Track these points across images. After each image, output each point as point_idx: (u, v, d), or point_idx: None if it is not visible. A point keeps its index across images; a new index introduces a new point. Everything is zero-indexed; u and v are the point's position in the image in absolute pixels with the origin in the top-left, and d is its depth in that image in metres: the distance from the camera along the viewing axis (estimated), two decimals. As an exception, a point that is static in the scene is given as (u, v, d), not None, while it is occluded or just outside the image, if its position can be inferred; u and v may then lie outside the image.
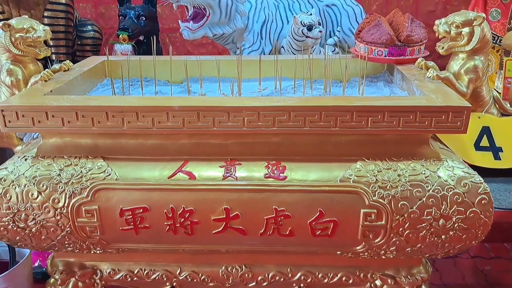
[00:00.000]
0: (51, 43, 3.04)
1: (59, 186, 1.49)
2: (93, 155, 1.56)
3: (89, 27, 3.24)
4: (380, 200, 1.47)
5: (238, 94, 1.80)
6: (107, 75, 2.11)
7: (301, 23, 2.52)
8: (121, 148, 1.56)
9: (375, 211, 1.48)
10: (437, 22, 1.73)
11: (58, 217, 1.51)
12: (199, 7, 2.45)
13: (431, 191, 1.47)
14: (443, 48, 1.74)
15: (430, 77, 1.69)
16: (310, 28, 2.52)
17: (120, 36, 2.72)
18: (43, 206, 1.50)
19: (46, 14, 2.92)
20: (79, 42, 3.23)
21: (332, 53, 2.83)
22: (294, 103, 1.47)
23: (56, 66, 1.87)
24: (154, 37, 2.01)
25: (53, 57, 3.04)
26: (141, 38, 2.97)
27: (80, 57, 3.32)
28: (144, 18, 2.95)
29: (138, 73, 2.01)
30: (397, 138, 1.52)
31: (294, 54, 2.65)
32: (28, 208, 1.50)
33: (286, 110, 1.45)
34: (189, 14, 2.55)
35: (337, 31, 2.89)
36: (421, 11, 3.48)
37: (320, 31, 2.53)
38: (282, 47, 2.73)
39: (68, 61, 1.96)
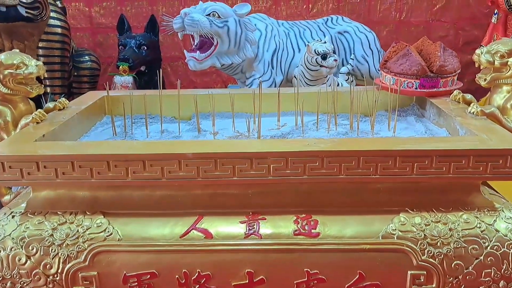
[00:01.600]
0: (45, 75, 2.84)
1: (52, 249, 1.25)
2: (92, 210, 1.33)
3: (86, 57, 3.05)
4: (430, 259, 1.24)
5: (256, 132, 1.59)
6: (107, 112, 1.90)
7: (315, 52, 2.33)
8: (125, 202, 1.33)
9: (425, 272, 1.25)
10: (478, 51, 1.54)
11: (50, 286, 1.27)
12: (206, 36, 2.26)
13: (489, 248, 1.24)
14: (485, 80, 1.54)
15: (473, 112, 1.48)
16: (324, 56, 2.34)
17: (120, 67, 2.52)
18: (33, 273, 1.26)
19: (40, 44, 2.73)
20: (75, 74, 3.03)
21: (346, 82, 2.64)
22: (327, 147, 1.25)
23: (49, 104, 1.65)
24: (161, 70, 1.80)
25: (48, 89, 2.84)
26: (142, 68, 2.77)
27: (76, 89, 3.12)
28: (145, 48, 2.76)
29: (141, 109, 1.79)
30: (444, 185, 1.30)
31: (307, 84, 2.46)
32: (15, 276, 1.26)
33: (319, 155, 1.23)
34: (195, 44, 2.36)
35: (351, 59, 2.71)
36: (432, 36, 3.32)
37: (335, 60, 2.34)
38: (294, 76, 2.54)
39: (63, 98, 1.74)
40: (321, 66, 2.36)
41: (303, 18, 3.32)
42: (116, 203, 1.34)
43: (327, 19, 2.80)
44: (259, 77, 2.53)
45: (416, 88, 1.71)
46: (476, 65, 1.56)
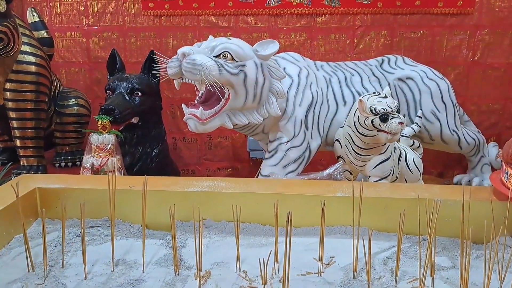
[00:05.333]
0: (14, 124, 2.14)
1: None
2: None
3: (72, 100, 2.32)
4: None
5: (279, 280, 0.78)
6: (40, 214, 1.13)
7: (372, 111, 1.52)
8: None
9: None
10: None
11: None
12: (213, 86, 1.48)
13: None
14: None
15: None
16: (384, 118, 1.51)
17: (99, 122, 1.76)
18: None
19: (7, 86, 2.02)
20: (58, 120, 2.30)
21: (411, 149, 1.80)
22: None
23: None
24: (119, 158, 1.02)
25: (18, 143, 2.12)
26: (134, 120, 2.01)
27: (59, 139, 2.37)
28: (140, 94, 2.00)
29: (94, 209, 1.03)
30: None
31: (356, 153, 1.64)
32: None
33: None
34: (199, 95, 1.59)
35: (417, 116, 1.87)
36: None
37: (401, 123, 1.51)
38: (337, 140, 1.73)
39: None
40: (379, 130, 1.54)
41: (346, 56, 2.51)
42: None
43: (383, 60, 1.98)
44: (287, 142, 1.72)
45: None
46: None
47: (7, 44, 1.91)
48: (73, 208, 1.03)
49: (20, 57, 2.02)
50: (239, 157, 2.76)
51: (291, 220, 0.74)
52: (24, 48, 2.04)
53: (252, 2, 2.49)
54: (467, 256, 0.85)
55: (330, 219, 1.01)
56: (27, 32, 2.10)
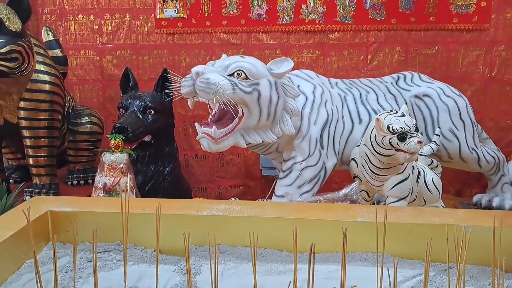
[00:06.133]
0: (27, 142, 2.14)
1: None
2: None
3: (85, 118, 2.32)
4: None
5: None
6: (51, 239, 1.10)
7: (389, 130, 1.47)
8: None
9: None
10: None
11: None
12: (227, 105, 1.46)
13: None
14: None
15: None
16: (402, 137, 1.47)
17: (112, 140, 1.74)
18: None
19: (21, 104, 2.01)
20: (71, 138, 2.30)
21: (429, 168, 1.75)
22: None
23: None
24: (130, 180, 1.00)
25: (30, 161, 2.11)
26: (146, 139, 1.99)
27: (72, 157, 2.36)
28: (153, 112, 1.99)
29: (105, 233, 1.00)
30: None
31: (373, 172, 1.59)
32: None
33: None
34: (212, 114, 1.57)
35: (436, 135, 1.82)
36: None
37: (420, 142, 1.47)
38: (354, 159, 1.69)
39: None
40: (397, 150, 1.50)
41: (360, 72, 2.48)
42: None
43: (398, 77, 1.94)
44: (302, 161, 1.68)
45: None
46: None
47: (22, 64, 1.91)
48: (84, 231, 1.00)
49: (35, 76, 2.02)
50: (251, 175, 2.73)
51: (314, 252, 0.70)
52: (39, 67, 2.05)
53: (265, 20, 2.48)
54: (500, 286, 0.80)
55: (350, 245, 0.96)
56: (42, 51, 2.11)
